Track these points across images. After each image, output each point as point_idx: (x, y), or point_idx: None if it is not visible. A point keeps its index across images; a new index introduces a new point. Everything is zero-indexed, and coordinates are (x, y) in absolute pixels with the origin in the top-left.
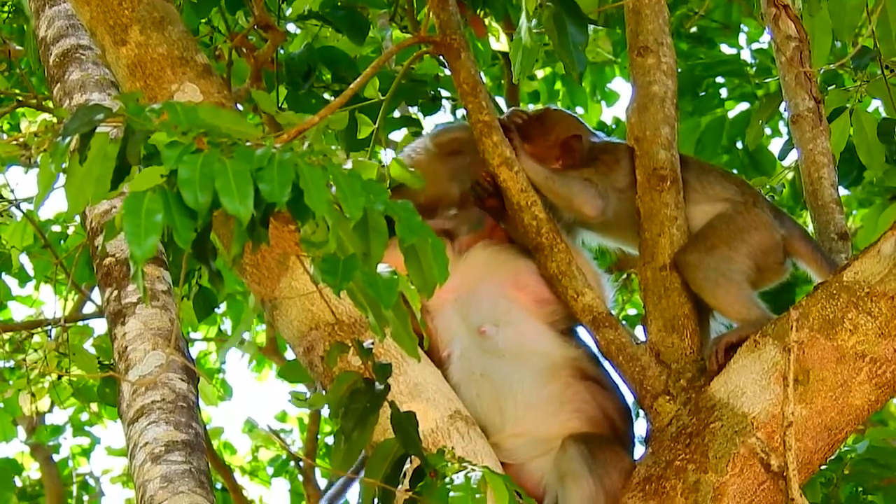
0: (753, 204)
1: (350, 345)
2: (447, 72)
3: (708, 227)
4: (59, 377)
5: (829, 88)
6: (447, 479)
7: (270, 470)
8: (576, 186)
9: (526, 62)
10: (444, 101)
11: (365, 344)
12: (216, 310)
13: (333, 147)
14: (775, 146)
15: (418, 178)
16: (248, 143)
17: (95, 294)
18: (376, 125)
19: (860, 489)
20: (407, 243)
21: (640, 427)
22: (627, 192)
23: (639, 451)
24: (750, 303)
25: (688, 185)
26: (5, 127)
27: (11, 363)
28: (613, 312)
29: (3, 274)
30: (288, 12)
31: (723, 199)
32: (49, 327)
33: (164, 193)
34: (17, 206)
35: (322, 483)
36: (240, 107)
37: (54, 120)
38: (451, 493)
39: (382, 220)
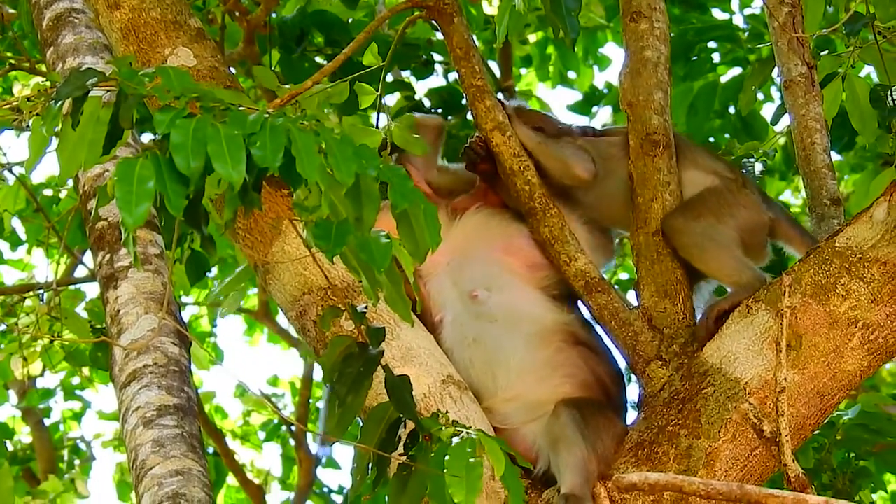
0: (743, 184)
1: (343, 309)
2: (440, 36)
3: (697, 197)
4: (51, 341)
5: (822, 54)
6: (442, 443)
7: (262, 434)
8: (568, 150)
9: (513, 25)
10: (436, 66)
11: (358, 308)
12: (208, 274)
13: (326, 111)
14: (767, 111)
15: (421, 145)
16: (241, 108)
17: (88, 258)
18: (379, 93)
19: (852, 455)
20: (399, 209)
21: (633, 392)
22: (611, 161)
23: (631, 416)
24: (740, 264)
25: (678, 153)
26: None
27: (3, 327)
28: (605, 277)
29: None
30: None
31: (713, 172)
32: (41, 291)
33: (156, 159)
34: (10, 170)
35: (314, 448)
36: (233, 70)
37: (47, 84)
38: (447, 457)
39: (375, 186)
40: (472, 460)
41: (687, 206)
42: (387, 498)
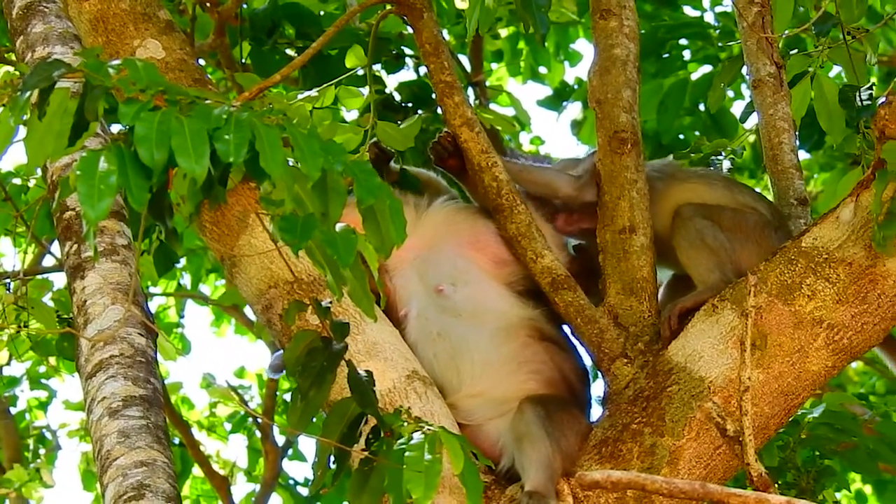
0: (776, 229)
1: (308, 303)
2: (410, 29)
3: (724, 209)
4: (18, 330)
5: (792, 53)
6: (403, 439)
7: (228, 426)
8: (549, 172)
9: (483, 19)
10: (407, 59)
11: (323, 303)
12: (176, 264)
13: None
14: (738, 108)
15: (406, 139)
16: (206, 102)
17: (55, 247)
18: (369, 92)
19: (817, 453)
20: (365, 204)
21: (598, 388)
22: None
23: (596, 412)
24: (716, 266)
25: (717, 190)
26: None
27: None
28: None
29: None
30: None
31: (751, 209)
32: (8, 280)
33: (120, 151)
34: None
35: (280, 440)
36: (202, 62)
37: (16, 74)
38: (407, 453)
39: (341, 180)
40: (431, 457)
41: (709, 206)
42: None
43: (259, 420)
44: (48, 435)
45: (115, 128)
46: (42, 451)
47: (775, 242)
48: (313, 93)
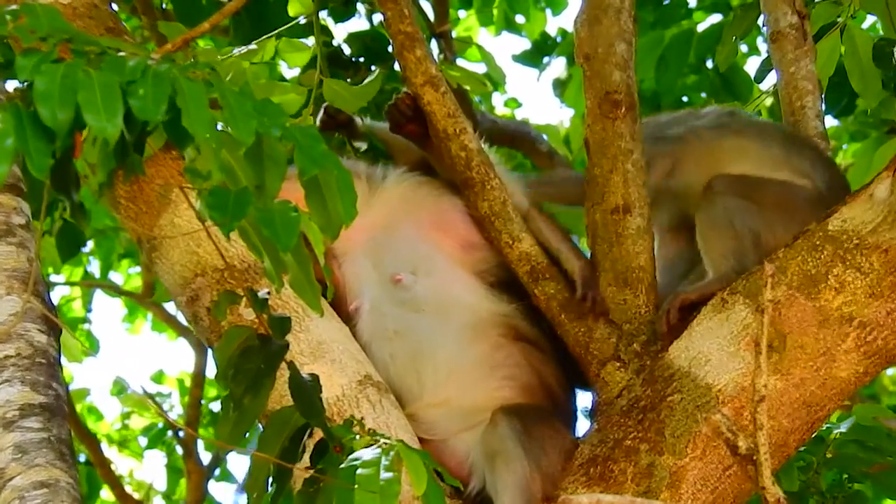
0: (827, 209)
1: (242, 294)
2: None
3: (767, 183)
4: None
5: (817, 1)
6: (354, 455)
7: (143, 441)
8: (523, 126)
9: None
10: (358, 6)
11: (259, 294)
12: (82, 248)
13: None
14: (752, 66)
15: (358, 100)
16: (120, 54)
17: None
18: (314, 45)
19: (845, 476)
20: (308, 175)
21: (585, 398)
22: None
23: (582, 426)
24: (733, 253)
25: (772, 150)
26: None
27: None
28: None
29: None
30: None
31: (807, 177)
32: None
33: (17, 110)
34: None
35: (206, 457)
36: (115, 7)
37: None
38: (359, 471)
39: (280, 147)
40: (387, 475)
41: (749, 180)
42: None
43: (181, 433)
44: None
45: (12, 85)
46: None
47: None
48: (249, 46)
